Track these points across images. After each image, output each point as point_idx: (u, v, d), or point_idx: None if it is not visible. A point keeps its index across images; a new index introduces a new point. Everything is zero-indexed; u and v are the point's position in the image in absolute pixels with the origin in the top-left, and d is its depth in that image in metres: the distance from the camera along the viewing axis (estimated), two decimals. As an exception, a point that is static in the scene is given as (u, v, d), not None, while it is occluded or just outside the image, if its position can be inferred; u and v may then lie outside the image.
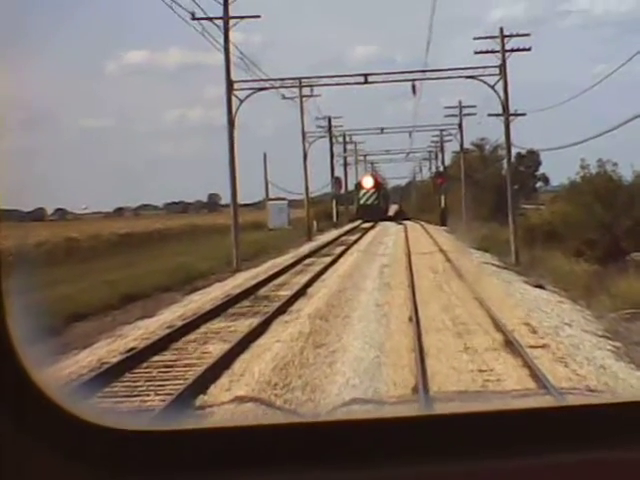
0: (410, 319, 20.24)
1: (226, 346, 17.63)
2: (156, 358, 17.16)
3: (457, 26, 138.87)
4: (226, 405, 13.11)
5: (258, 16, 39.21)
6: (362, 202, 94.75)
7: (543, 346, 17.07)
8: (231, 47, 39.73)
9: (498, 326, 19.07)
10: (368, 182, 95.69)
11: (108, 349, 18.74)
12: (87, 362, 17.12)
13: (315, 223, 70.00)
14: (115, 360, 16.90)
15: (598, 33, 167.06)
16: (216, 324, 21.31)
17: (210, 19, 37.79)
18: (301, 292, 26.69)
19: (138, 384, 15.04)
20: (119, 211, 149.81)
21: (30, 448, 2.65)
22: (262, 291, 28.25)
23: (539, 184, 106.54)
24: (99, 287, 29.86)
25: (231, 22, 38.73)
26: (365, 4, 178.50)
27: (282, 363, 15.84)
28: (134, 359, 16.92)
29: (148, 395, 13.77)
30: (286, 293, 26.63)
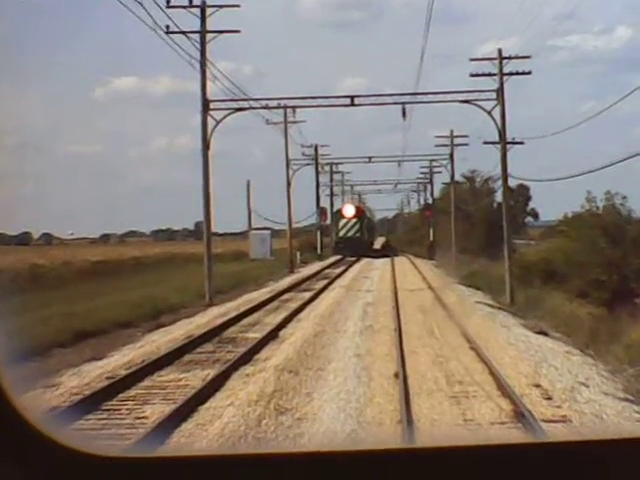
0: (396, 375, 16.48)
1: (167, 409, 13.87)
2: (76, 424, 13.36)
3: (446, 60, 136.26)
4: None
5: (237, 31, 35.65)
6: (341, 234, 79.98)
7: (563, 419, 13.33)
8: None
9: (502, 388, 15.32)
10: (349, 210, 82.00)
11: (28, 405, 14.91)
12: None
13: (298, 254, 66.32)
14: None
15: (588, 70, 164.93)
16: (165, 375, 17.51)
17: (185, 33, 34.21)
18: (272, 334, 22.93)
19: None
20: (105, 237, 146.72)
21: (12, 474, 2.65)
22: (229, 331, 24.50)
23: (528, 219, 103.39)
24: (54, 320, 26.18)
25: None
26: (354, 39, 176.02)
27: (231, 439, 12.06)
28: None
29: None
30: (255, 335, 22.87)
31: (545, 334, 24.46)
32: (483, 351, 19.38)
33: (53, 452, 2.72)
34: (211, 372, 17.33)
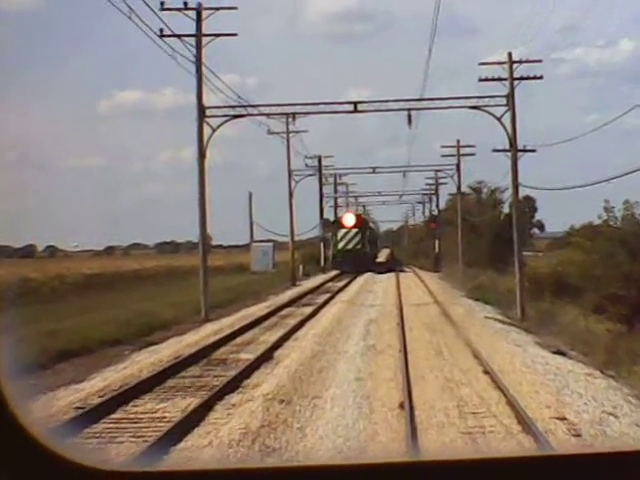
0: (401, 406, 14.37)
1: (134, 449, 11.82)
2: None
3: (450, 73, 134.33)
4: None
5: (234, 34, 33.65)
6: (341, 246, 70.79)
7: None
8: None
9: (523, 421, 13.21)
10: (349, 220, 72.68)
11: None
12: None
13: (301, 267, 64.13)
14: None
15: (591, 82, 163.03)
16: (141, 405, 15.39)
17: (179, 36, 32.21)
18: (266, 355, 20.82)
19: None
20: (109, 250, 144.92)
21: None
22: (220, 352, 22.40)
23: (534, 230, 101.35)
24: (37, 338, 24.11)
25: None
26: (358, 51, 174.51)
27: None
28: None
29: None
30: (247, 356, 20.79)
31: (563, 354, 22.32)
32: (498, 375, 17.28)
33: (58, 466, 2.69)
34: (193, 401, 15.24)
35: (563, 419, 13.64)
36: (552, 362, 20.45)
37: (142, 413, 14.65)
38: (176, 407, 14.96)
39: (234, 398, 15.45)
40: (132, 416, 14.44)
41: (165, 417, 14.18)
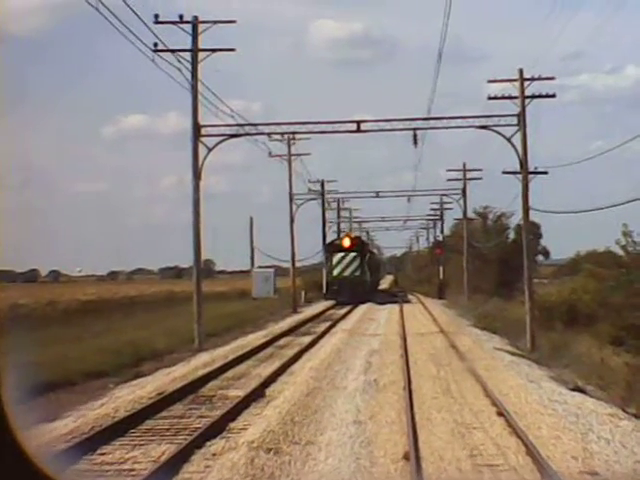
0: (406, 457, 12.33)
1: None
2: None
3: (454, 100, 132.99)
4: None
5: (233, 49, 31.84)
6: (336, 272, 62.97)
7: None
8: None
9: (549, 477, 11.17)
10: (345, 243, 65.19)
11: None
12: None
13: (303, 293, 62.07)
14: None
15: (596, 109, 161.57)
16: (109, 452, 13.32)
17: (173, 51, 30.38)
18: (257, 392, 18.76)
19: None
20: (113, 275, 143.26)
21: None
22: (209, 387, 20.38)
23: (539, 257, 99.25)
24: (17, 369, 22.07)
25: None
26: (364, 77, 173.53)
27: None
28: None
29: None
30: (237, 393, 18.73)
31: (581, 391, 20.24)
32: (514, 417, 15.23)
33: None
34: (168, 449, 13.19)
35: (594, 474, 11.59)
36: (571, 401, 18.35)
37: (108, 464, 12.60)
38: (148, 456, 12.91)
39: (215, 445, 13.38)
40: (96, 467, 12.39)
41: (133, 469, 12.15)
